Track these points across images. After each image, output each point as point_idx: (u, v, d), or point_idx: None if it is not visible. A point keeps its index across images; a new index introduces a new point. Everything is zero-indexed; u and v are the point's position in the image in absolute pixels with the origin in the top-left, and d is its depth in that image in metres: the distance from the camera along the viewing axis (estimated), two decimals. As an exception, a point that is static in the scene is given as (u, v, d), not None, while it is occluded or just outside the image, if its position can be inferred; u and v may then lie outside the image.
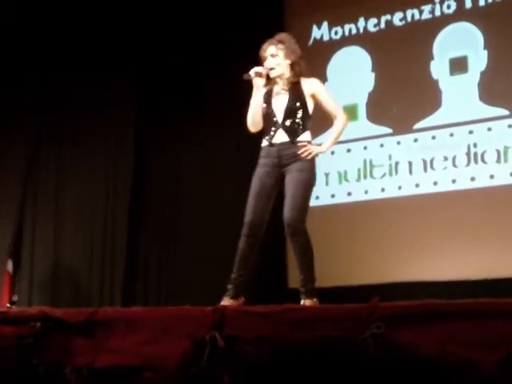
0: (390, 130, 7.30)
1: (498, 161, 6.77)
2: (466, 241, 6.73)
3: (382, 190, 7.26)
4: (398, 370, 2.79)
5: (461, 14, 7.15)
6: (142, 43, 7.99)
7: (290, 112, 4.45)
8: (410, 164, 7.16)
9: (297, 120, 4.44)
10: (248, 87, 4.59)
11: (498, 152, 6.77)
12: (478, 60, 7.00)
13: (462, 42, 7.10)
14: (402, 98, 7.27)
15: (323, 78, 7.46)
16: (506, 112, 6.78)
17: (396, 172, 7.23)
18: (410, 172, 7.15)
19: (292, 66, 4.53)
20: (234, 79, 7.50)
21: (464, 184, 6.90)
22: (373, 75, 7.50)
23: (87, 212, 7.78)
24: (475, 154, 6.88)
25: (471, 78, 7.03)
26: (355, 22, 7.66)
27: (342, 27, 7.74)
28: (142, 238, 7.95)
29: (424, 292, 5.93)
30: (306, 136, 4.47)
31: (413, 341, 2.81)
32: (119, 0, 7.91)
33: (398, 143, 7.25)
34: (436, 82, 7.17)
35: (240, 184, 7.82)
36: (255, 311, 3.13)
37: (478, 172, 6.84)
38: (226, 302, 4.36)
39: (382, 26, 7.53)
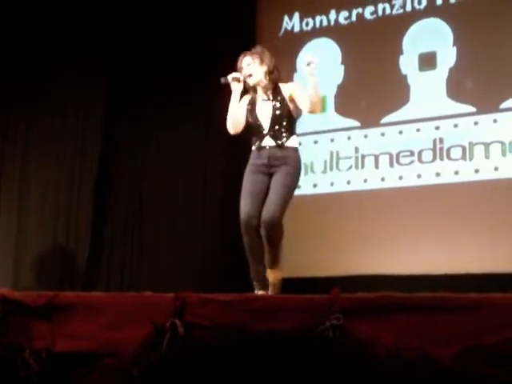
0: (357, 123, 7.34)
1: (464, 157, 6.84)
2: (429, 236, 6.79)
3: (348, 182, 7.31)
4: (357, 362, 2.80)
5: (431, 10, 7.21)
6: (118, 23, 7.93)
7: (275, 121, 4.58)
8: (377, 158, 7.20)
9: (283, 128, 4.57)
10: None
11: (464, 148, 6.84)
12: (447, 56, 7.06)
13: (432, 38, 7.16)
14: (371, 91, 7.31)
15: (293, 69, 7.47)
16: (472, 109, 6.84)
17: (362, 165, 7.27)
18: (376, 166, 7.20)
19: (268, 73, 4.64)
20: (205, 67, 7.58)
21: (429, 179, 6.96)
22: (342, 68, 7.53)
23: (52, 194, 7.69)
24: (441, 149, 6.94)
25: (439, 74, 7.09)
26: (326, 13, 7.69)
27: (314, 19, 7.76)
28: (106, 223, 7.91)
29: (385, 285, 5.94)
30: (293, 141, 4.60)
31: (372, 333, 2.82)
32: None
33: (365, 136, 7.29)
34: (404, 77, 7.22)
35: (207, 172, 7.86)
36: (216, 299, 3.13)
37: (443, 167, 6.91)
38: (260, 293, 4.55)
39: (353, 18, 7.56)
